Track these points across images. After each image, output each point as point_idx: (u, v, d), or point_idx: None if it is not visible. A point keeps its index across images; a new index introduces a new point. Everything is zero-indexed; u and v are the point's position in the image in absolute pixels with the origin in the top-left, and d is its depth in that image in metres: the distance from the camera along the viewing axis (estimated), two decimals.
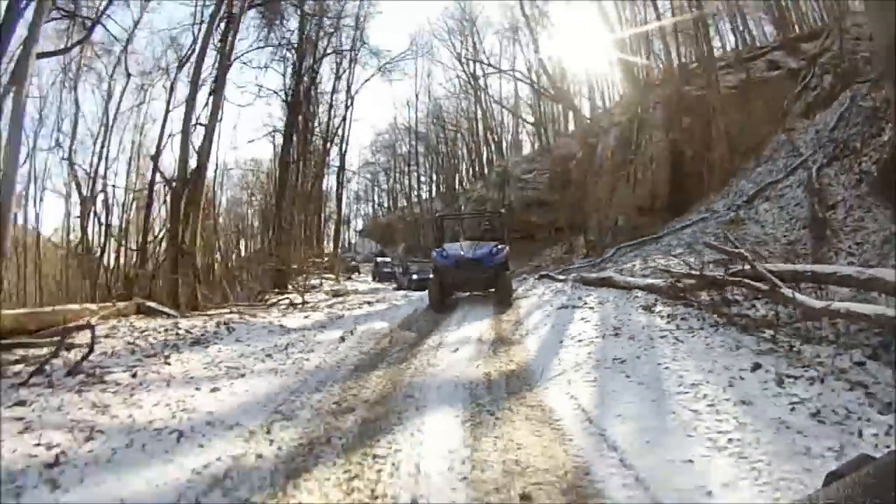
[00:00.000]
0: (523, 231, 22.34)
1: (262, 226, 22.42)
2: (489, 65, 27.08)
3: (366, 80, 23.13)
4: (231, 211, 24.87)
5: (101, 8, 14.16)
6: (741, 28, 21.76)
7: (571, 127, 24.99)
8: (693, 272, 6.52)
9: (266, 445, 3.27)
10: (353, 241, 35.76)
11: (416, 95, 31.15)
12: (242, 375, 4.76)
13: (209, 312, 9.50)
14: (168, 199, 14.75)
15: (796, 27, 20.49)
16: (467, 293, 10.35)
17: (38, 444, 3.20)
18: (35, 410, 3.77)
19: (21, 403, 3.89)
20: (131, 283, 12.22)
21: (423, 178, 35.08)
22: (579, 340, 5.63)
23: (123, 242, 17.14)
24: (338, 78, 21.40)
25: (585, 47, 21.90)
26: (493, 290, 9.74)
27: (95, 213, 16.36)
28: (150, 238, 14.76)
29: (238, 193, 25.55)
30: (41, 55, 11.16)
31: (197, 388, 4.28)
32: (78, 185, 14.56)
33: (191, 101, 13.14)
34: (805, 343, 4.87)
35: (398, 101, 45.85)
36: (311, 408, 4.02)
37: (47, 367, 4.65)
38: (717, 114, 15.71)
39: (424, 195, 34.12)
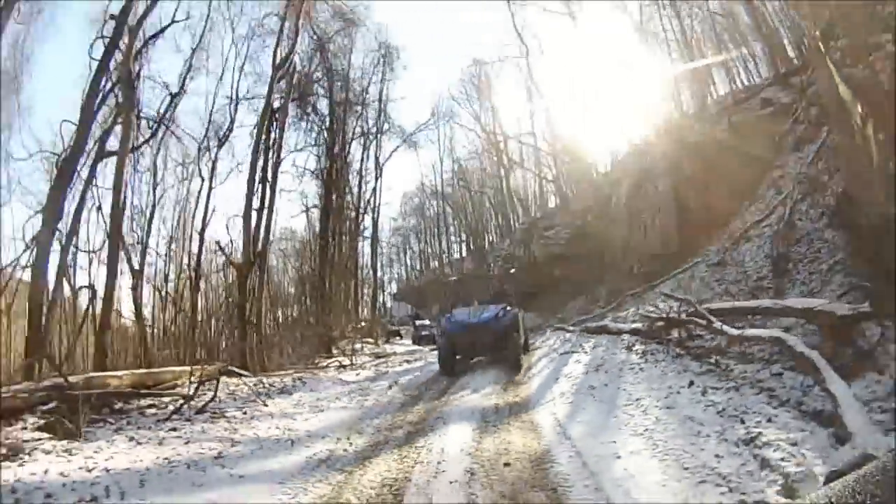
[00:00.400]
0: (549, 285, 23.89)
1: (298, 292, 24.18)
2: (501, 135, 29.54)
3: (392, 152, 25.19)
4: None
5: (167, 111, 16.55)
6: (737, 68, 22.67)
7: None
8: (662, 316, 8.20)
9: (348, 445, 5.23)
10: (388, 304, 37.33)
11: (441, 160, 33.53)
12: (322, 410, 6.76)
13: (277, 373, 11.48)
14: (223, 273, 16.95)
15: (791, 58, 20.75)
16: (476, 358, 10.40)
17: (201, 450, 5.13)
18: (186, 433, 5.73)
19: (174, 430, 5.85)
20: (210, 350, 14.38)
21: (452, 239, 37.32)
22: (568, 376, 7.40)
23: (182, 311, 18.96)
24: (365, 149, 23.71)
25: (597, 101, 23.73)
26: (502, 352, 9.70)
27: (153, 285, 18.21)
28: (200, 308, 16.80)
29: (273, 261, 27.27)
30: (109, 153, 13.63)
31: (293, 419, 6.26)
32: (129, 259, 15.81)
33: (249, 195, 15.54)
34: (740, 363, 6.46)
35: (424, 165, 48.64)
36: (374, 427, 5.96)
37: (184, 408, 6.63)
38: (715, 157, 16.40)
39: (455, 255, 36.23)
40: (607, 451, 4.49)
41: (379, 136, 23.95)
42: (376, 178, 24.28)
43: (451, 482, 4.05)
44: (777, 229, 10.66)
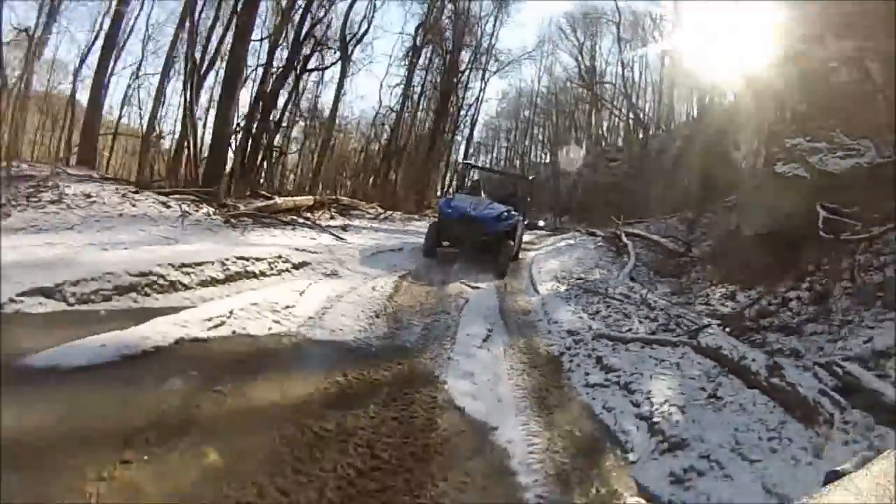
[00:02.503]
0: (602, 205, 28.05)
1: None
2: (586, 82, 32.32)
3: (495, 72, 28.96)
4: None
5: None
6: None
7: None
8: (616, 232, 12.77)
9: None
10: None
11: (539, 77, 37.06)
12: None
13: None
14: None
15: None
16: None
17: (336, 235, 10.47)
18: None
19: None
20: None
21: (539, 146, 41.23)
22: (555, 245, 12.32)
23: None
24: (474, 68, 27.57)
25: None
26: (490, 254, 9.15)
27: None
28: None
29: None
30: None
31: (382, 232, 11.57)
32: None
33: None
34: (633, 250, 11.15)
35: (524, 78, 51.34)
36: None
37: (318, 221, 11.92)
38: None
39: (535, 159, 40.40)
40: (543, 258, 9.50)
41: (488, 61, 27.57)
42: (481, 90, 28.47)
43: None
44: None
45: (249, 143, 12.62)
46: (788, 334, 4.68)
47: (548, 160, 39.48)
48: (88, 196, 6.62)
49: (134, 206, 6.94)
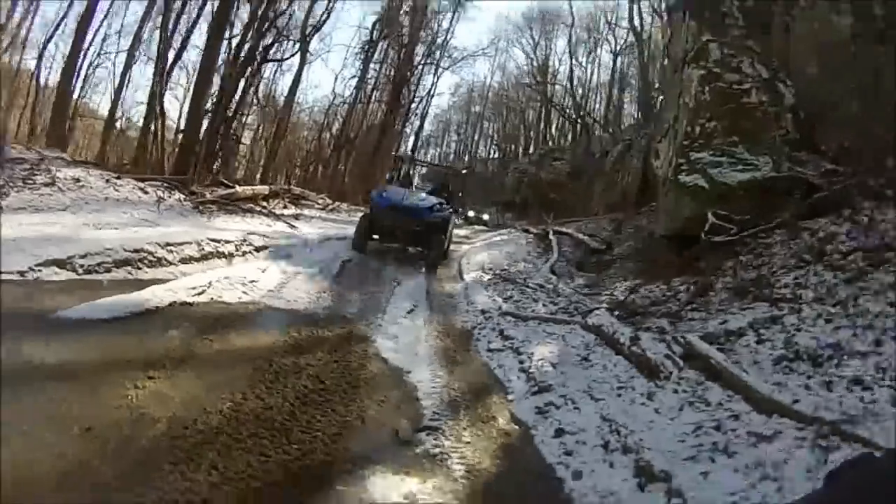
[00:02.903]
0: (544, 203, 29.62)
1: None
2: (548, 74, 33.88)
3: (446, 69, 30.21)
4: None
5: None
6: None
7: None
8: (545, 228, 14.20)
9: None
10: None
11: (492, 72, 38.55)
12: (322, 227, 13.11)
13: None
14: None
15: None
16: (393, 244, 9.70)
17: (288, 223, 11.47)
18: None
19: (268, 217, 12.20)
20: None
21: (486, 142, 42.82)
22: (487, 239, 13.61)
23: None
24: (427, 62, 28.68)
25: None
26: (420, 248, 9.23)
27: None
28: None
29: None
30: None
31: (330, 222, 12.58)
32: None
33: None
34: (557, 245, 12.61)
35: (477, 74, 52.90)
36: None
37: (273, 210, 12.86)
38: None
39: (483, 154, 41.91)
40: (475, 251, 10.75)
41: (442, 56, 28.66)
42: (433, 85, 29.58)
43: None
44: None
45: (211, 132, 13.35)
46: (671, 318, 5.74)
47: (496, 156, 41.09)
48: (77, 180, 7.41)
49: (117, 190, 7.78)
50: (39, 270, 4.48)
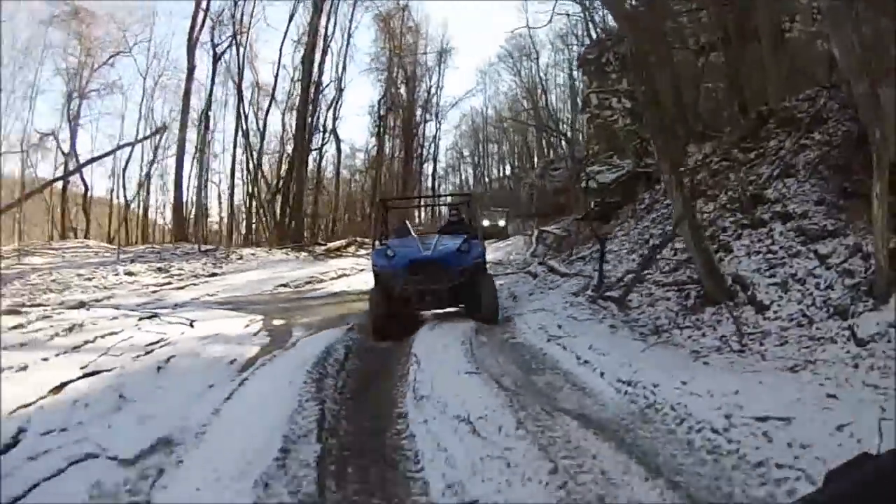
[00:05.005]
0: (551, 210, 35.06)
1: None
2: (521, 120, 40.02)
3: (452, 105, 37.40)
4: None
5: None
6: None
7: None
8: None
9: None
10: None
11: (486, 107, 44.98)
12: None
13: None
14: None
15: None
16: (428, 311, 7.35)
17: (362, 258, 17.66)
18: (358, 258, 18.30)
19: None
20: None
21: (497, 159, 48.92)
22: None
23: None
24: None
25: None
26: (470, 301, 7.01)
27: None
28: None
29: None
30: None
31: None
32: None
33: None
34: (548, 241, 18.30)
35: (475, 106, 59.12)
36: None
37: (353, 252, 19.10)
38: None
39: (497, 174, 47.90)
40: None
41: (438, 102, 35.46)
42: (437, 129, 36.33)
43: None
44: None
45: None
46: (586, 263, 11.64)
47: (508, 172, 46.94)
48: (253, 255, 13.88)
49: (273, 256, 14.20)
50: (277, 289, 10.68)
